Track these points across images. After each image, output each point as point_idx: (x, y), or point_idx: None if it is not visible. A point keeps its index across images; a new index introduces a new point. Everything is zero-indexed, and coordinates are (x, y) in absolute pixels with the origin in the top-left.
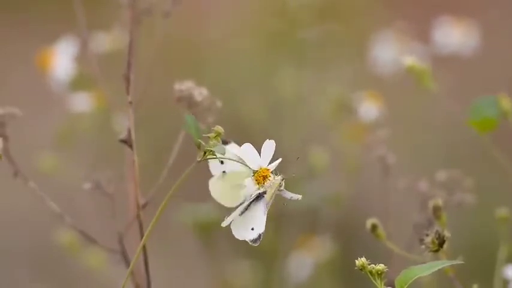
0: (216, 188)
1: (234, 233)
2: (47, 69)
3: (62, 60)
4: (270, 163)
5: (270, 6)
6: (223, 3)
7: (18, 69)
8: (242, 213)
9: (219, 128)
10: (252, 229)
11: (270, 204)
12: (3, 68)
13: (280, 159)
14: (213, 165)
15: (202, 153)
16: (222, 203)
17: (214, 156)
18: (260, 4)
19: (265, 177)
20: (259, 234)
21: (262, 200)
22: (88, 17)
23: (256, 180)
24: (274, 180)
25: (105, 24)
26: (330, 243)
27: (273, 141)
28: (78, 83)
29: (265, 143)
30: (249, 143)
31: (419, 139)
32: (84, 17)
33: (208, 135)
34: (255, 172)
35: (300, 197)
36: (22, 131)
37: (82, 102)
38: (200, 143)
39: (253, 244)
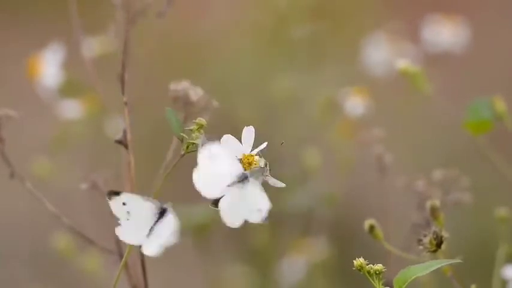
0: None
1: (229, 221)
2: (36, 77)
3: (49, 67)
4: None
5: (266, 7)
6: (221, 3)
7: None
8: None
9: (201, 120)
10: (259, 210)
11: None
12: (2, 68)
13: (265, 144)
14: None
15: (186, 146)
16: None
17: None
18: (256, 5)
19: (250, 164)
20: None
21: (251, 181)
22: (87, 17)
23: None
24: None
25: (102, 25)
26: (326, 244)
27: (252, 127)
28: (67, 90)
29: (244, 129)
30: (229, 134)
31: (417, 138)
32: (81, 18)
33: (190, 127)
34: (239, 160)
35: (283, 184)
36: (21, 133)
37: (72, 110)
38: (182, 136)
39: (264, 222)
